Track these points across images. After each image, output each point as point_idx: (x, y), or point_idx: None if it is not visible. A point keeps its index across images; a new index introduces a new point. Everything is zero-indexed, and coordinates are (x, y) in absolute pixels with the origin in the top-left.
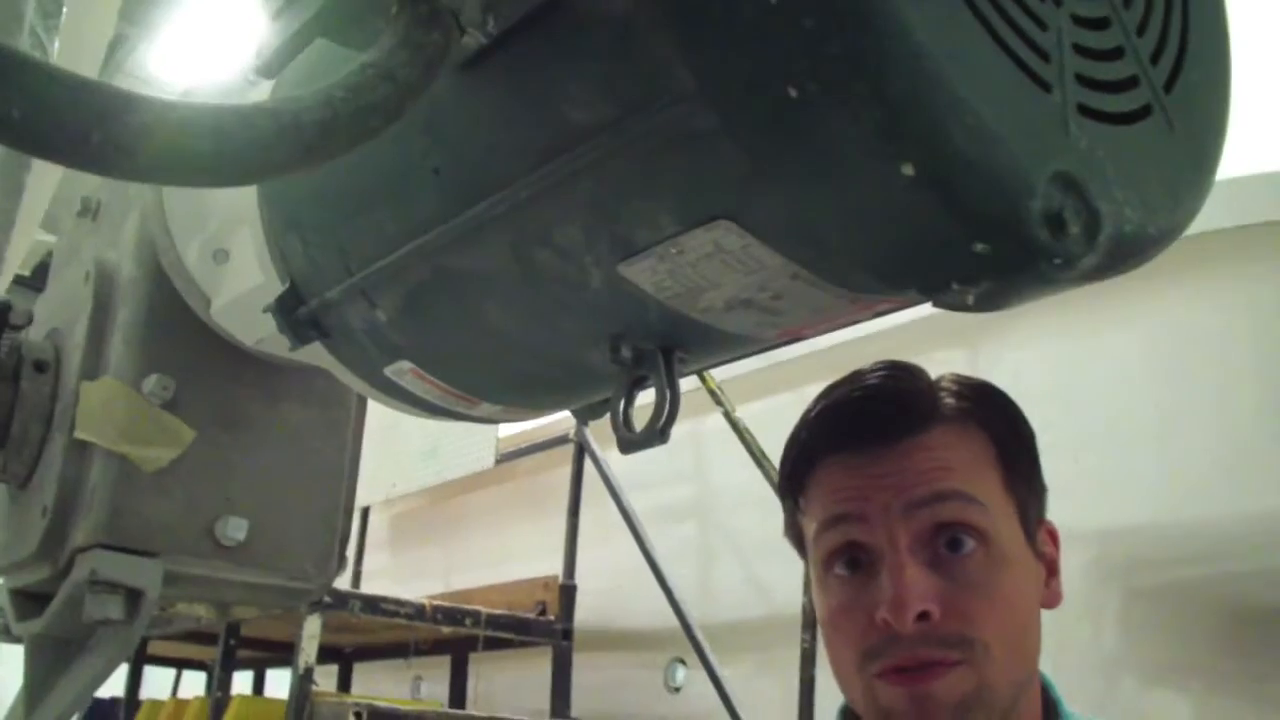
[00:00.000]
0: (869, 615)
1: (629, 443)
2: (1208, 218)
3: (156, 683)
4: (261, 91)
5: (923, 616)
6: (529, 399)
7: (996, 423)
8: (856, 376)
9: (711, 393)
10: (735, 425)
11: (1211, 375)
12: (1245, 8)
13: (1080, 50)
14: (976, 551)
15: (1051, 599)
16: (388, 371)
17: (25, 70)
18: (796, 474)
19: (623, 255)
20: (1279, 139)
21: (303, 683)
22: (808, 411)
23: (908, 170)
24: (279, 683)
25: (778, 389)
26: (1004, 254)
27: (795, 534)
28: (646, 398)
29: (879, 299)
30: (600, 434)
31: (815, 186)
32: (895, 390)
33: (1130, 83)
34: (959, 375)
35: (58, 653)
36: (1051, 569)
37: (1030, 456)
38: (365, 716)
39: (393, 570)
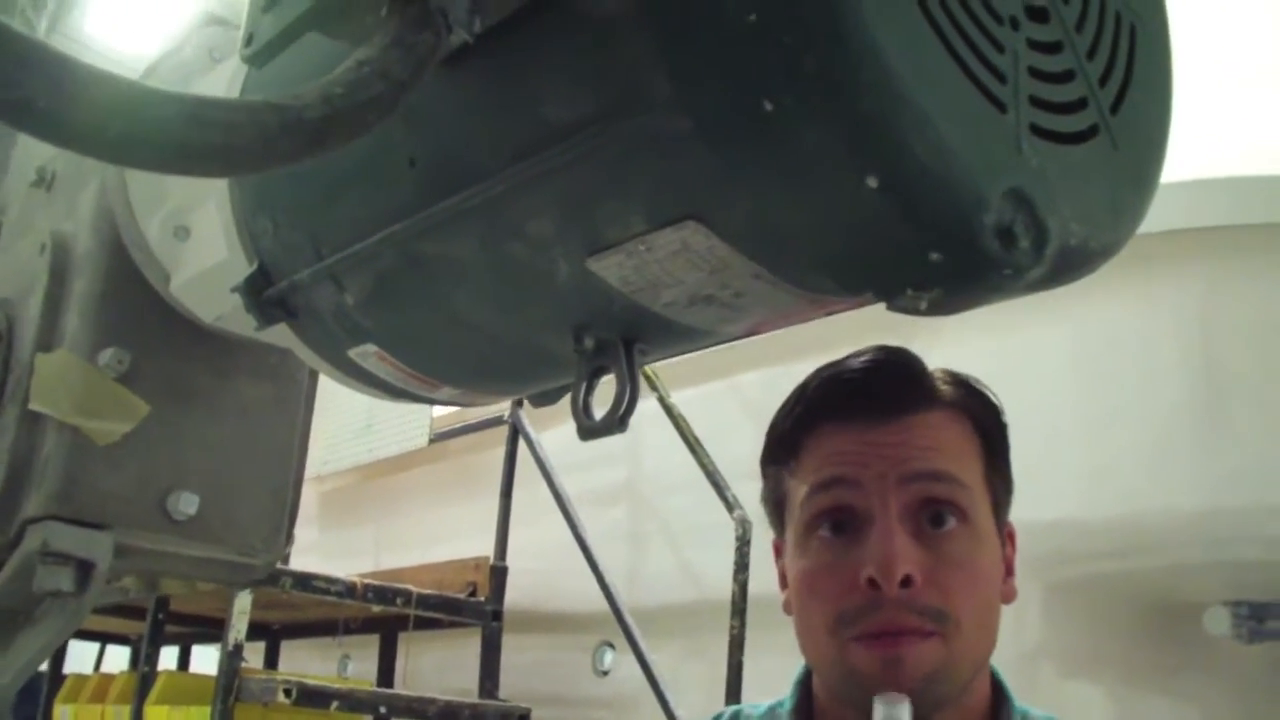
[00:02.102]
0: (851, 577)
1: (589, 430)
2: None
3: (78, 657)
4: (224, 69)
5: (906, 581)
6: (489, 384)
7: (983, 417)
8: (855, 356)
9: (646, 378)
10: (670, 411)
11: (1136, 376)
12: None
13: (1035, 73)
14: (958, 529)
15: (1008, 594)
16: (352, 353)
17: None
18: (792, 436)
19: (591, 250)
20: (1206, 147)
21: (232, 659)
22: (805, 383)
23: (872, 182)
24: (204, 659)
25: (711, 377)
26: (957, 263)
27: (776, 499)
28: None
29: (835, 300)
30: (534, 416)
31: (782, 193)
32: (901, 365)
33: (1080, 104)
34: (947, 368)
35: (2, 623)
36: (1009, 568)
37: (1006, 455)
38: (295, 694)
39: (321, 547)
